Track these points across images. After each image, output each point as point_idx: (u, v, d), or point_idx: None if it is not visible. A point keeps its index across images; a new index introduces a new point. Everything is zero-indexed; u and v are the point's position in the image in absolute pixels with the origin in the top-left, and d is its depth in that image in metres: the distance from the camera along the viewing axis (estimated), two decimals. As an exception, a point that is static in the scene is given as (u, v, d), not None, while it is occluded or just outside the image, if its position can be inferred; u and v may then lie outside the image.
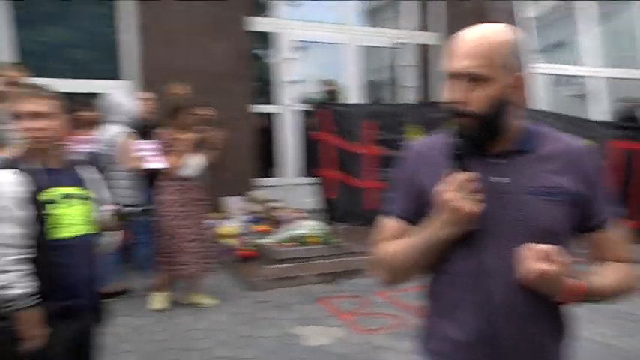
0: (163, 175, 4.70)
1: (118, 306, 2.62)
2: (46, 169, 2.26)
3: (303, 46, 8.05)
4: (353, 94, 8.34)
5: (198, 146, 4.78)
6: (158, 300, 4.82)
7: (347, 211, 6.63)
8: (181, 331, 4.35)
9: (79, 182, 2.37)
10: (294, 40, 7.89)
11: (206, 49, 6.98)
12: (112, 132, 4.96)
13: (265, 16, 7.91)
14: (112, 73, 6.95)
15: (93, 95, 5.54)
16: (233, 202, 6.94)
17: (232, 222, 6.43)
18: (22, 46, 6.46)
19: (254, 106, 7.50)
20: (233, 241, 6.07)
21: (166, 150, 4.67)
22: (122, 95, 5.15)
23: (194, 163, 4.75)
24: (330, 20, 8.33)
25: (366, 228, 6.43)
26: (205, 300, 4.92)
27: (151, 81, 6.37)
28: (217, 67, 7.01)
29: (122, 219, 2.48)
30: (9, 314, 1.64)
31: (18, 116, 2.18)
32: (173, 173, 4.67)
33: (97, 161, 4.71)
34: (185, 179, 4.71)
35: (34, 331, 2.11)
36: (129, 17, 6.84)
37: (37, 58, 6.19)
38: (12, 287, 2.09)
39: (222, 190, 6.80)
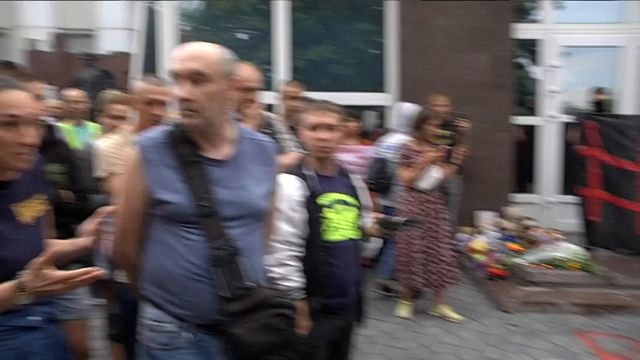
0: (404, 185, 4.73)
1: (369, 308, 2.74)
2: (322, 175, 2.46)
3: (568, 52, 7.37)
4: (627, 103, 7.36)
5: (440, 159, 4.69)
6: (404, 308, 4.88)
7: (612, 236, 5.95)
8: (427, 342, 4.33)
9: (349, 189, 2.52)
10: (560, 46, 7.27)
11: (465, 59, 6.87)
12: (397, 139, 5.10)
13: (529, 21, 7.46)
14: (374, 86, 7.29)
15: (356, 108, 5.89)
16: (486, 217, 6.71)
17: (484, 237, 6.21)
18: (294, 64, 7.16)
19: (515, 117, 7.13)
20: (483, 257, 5.85)
21: (407, 161, 4.69)
22: (411, 106, 5.26)
23: (434, 176, 4.69)
24: (603, 20, 7.44)
25: (636, 257, 5.66)
26: (452, 314, 4.83)
27: (410, 93, 6.50)
28: (477, 77, 6.85)
29: (387, 227, 2.55)
30: (291, 303, 1.80)
31: (312, 127, 2.42)
32: (412, 185, 4.67)
33: (379, 169, 5.00)
34: (426, 191, 4.68)
35: (301, 323, 2.29)
36: (390, 33, 7.10)
37: (305, 74, 6.80)
38: (288, 280, 2.30)
39: (476, 204, 6.65)
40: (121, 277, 2.49)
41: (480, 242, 6.09)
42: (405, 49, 6.91)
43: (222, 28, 7.70)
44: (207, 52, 1.75)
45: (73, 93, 5.12)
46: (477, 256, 5.92)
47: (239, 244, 1.74)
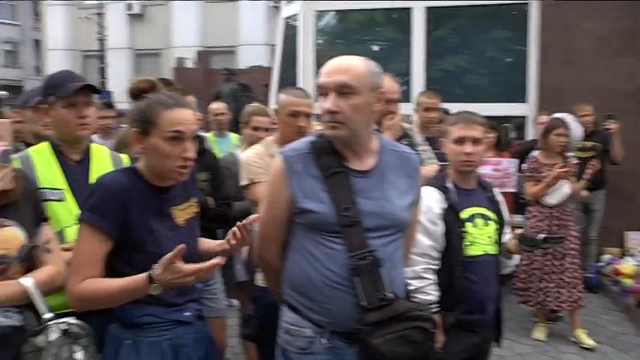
0: (531, 200, 4.51)
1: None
2: (462, 188, 2.41)
3: None
4: None
5: (570, 174, 4.37)
6: (539, 330, 4.62)
7: None
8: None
9: (489, 203, 2.44)
10: None
11: (614, 65, 6.35)
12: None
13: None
14: (511, 96, 6.99)
15: (492, 118, 5.67)
16: (635, 238, 6.14)
17: (633, 260, 5.69)
18: (427, 74, 7.06)
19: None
20: (632, 282, 5.36)
21: (534, 175, 4.44)
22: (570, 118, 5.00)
23: (564, 192, 4.40)
24: None
25: None
26: (586, 340, 4.45)
27: (552, 103, 6.14)
28: (626, 84, 6.31)
29: (526, 244, 2.43)
30: (430, 317, 1.78)
31: (457, 140, 2.37)
32: (539, 200, 4.44)
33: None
34: (556, 206, 4.41)
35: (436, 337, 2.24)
36: (530, 39, 6.77)
37: (439, 85, 6.68)
38: (424, 293, 2.27)
39: (624, 223, 6.11)
40: (260, 280, 2.61)
41: (628, 265, 5.59)
42: (547, 55, 6.54)
43: (357, 40, 7.81)
44: (355, 65, 1.78)
45: (216, 105, 5.47)
46: (624, 280, 5.44)
47: (380, 254, 1.75)
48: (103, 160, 2.22)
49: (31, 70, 32.56)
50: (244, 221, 1.82)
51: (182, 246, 1.53)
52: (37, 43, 30.24)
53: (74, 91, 2.07)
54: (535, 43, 6.66)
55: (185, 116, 1.71)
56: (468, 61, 7.28)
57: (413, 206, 1.91)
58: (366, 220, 1.76)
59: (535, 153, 4.66)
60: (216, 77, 13.52)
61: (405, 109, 4.50)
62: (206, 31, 23.65)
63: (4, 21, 33.03)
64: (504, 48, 7.25)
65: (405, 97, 6.21)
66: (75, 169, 2.13)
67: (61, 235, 2.00)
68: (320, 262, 1.76)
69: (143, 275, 1.57)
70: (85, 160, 2.17)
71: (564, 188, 4.41)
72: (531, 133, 6.44)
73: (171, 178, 1.75)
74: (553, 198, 4.42)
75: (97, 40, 20.29)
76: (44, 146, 2.16)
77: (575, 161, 4.52)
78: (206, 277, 1.61)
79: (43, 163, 2.09)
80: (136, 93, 1.74)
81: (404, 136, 2.90)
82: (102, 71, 19.62)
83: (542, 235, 2.34)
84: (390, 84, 2.70)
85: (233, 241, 1.92)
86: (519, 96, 6.86)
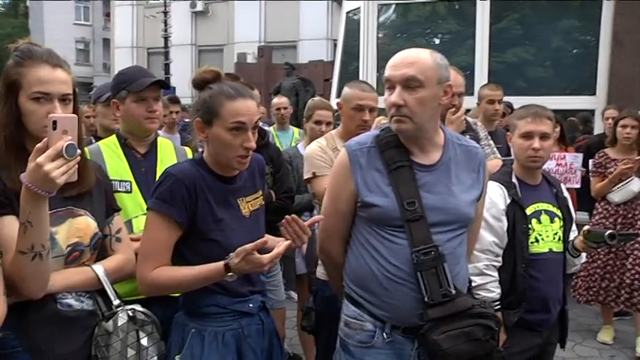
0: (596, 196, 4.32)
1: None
2: (527, 184, 2.35)
3: None
4: None
5: (632, 170, 4.12)
6: (605, 332, 4.43)
7: None
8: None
9: (554, 199, 2.38)
10: None
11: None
12: None
13: None
14: (577, 89, 6.72)
15: (557, 112, 5.46)
16: None
17: None
18: (489, 67, 6.87)
19: None
20: None
21: (600, 170, 4.25)
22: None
23: (632, 189, 4.16)
24: None
25: None
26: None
27: (624, 95, 5.85)
28: None
29: (595, 241, 2.32)
30: (494, 315, 1.75)
31: (525, 135, 2.31)
32: (604, 196, 4.25)
33: None
34: (622, 204, 4.20)
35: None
36: (603, 27, 6.45)
37: (500, 77, 6.49)
38: (486, 290, 2.23)
39: None
40: (320, 273, 2.63)
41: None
42: (620, 44, 6.22)
43: (419, 34, 7.71)
44: (422, 57, 1.76)
45: (278, 100, 5.53)
46: None
47: (444, 250, 1.73)
48: (168, 154, 2.30)
49: (100, 67, 34.06)
50: (310, 221, 1.83)
51: (264, 239, 1.59)
52: (107, 42, 31.50)
53: (144, 86, 2.15)
54: (607, 30, 6.34)
55: (247, 107, 1.73)
56: (531, 53, 7.06)
57: (477, 201, 1.88)
58: (430, 215, 1.74)
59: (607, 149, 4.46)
60: (277, 72, 13.67)
61: (468, 102, 4.42)
62: (267, 26, 23.93)
63: (78, 22, 34.75)
64: (571, 38, 6.98)
65: (468, 90, 6.09)
66: (141, 161, 2.21)
67: (129, 225, 2.08)
68: (383, 257, 1.76)
69: (219, 264, 1.62)
70: (152, 153, 2.25)
71: (632, 186, 4.17)
72: (599, 127, 6.16)
73: (232, 167, 1.78)
74: (617, 196, 4.21)
75: (161, 37, 20.87)
76: (112, 139, 2.25)
77: None
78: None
79: (112, 156, 2.18)
80: (200, 83, 1.78)
81: (467, 130, 2.84)
82: (166, 67, 20.17)
83: (610, 232, 2.24)
84: (454, 77, 2.65)
85: (288, 238, 1.90)
86: (587, 88, 6.58)
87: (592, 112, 6.54)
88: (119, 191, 2.09)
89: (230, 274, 1.61)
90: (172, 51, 21.10)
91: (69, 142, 1.37)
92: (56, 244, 1.57)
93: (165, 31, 20.51)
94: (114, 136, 2.27)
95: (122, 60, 25.04)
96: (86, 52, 35.58)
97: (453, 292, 1.71)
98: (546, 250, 2.30)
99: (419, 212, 1.73)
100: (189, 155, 2.36)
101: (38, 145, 1.37)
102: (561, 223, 2.36)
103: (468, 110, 4.25)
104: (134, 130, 2.22)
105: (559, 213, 2.36)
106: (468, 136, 2.24)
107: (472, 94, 5.49)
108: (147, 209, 1.76)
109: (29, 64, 1.56)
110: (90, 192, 1.71)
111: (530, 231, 2.28)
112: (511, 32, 7.10)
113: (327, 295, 2.52)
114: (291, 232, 1.71)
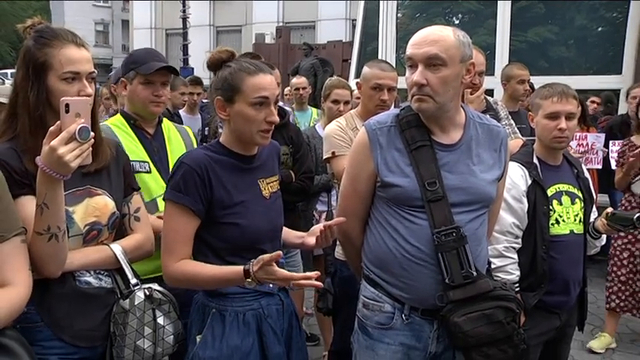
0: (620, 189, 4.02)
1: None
2: (547, 164, 2.30)
3: None
4: None
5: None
6: (601, 340, 3.95)
7: None
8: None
9: (575, 180, 2.34)
10: None
11: None
12: None
13: None
14: (602, 68, 6.58)
15: (580, 92, 5.35)
16: None
17: None
18: (510, 47, 6.76)
19: None
20: None
21: (622, 160, 3.92)
22: None
23: None
24: None
25: None
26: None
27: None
28: None
29: (618, 223, 2.27)
30: (515, 297, 1.73)
31: (551, 115, 2.26)
32: (629, 187, 3.90)
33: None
34: None
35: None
36: (630, 7, 6.30)
37: (522, 57, 6.38)
38: (505, 272, 2.20)
39: None
40: (338, 254, 2.62)
41: None
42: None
43: (438, 13, 7.61)
44: (445, 35, 1.72)
45: (297, 80, 5.50)
46: None
47: (465, 231, 1.71)
48: (173, 132, 2.33)
49: (119, 48, 34.19)
50: (330, 222, 1.81)
51: (278, 253, 1.57)
52: (125, 24, 31.58)
53: (153, 70, 2.15)
54: (637, 6, 6.16)
55: (268, 81, 1.73)
56: (554, 32, 6.93)
57: (498, 181, 1.84)
58: (451, 195, 1.72)
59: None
60: (295, 52, 13.58)
61: (489, 82, 4.35)
62: (286, 6, 23.75)
63: (97, 4, 34.86)
64: (597, 16, 6.82)
65: (488, 70, 6.00)
66: (152, 141, 2.23)
67: (154, 204, 2.11)
68: (403, 237, 1.75)
69: (239, 269, 1.62)
70: (159, 133, 2.28)
71: None
72: (623, 108, 6.04)
73: (255, 142, 1.78)
74: (639, 186, 3.88)
75: (179, 18, 20.85)
76: (119, 119, 2.25)
77: None
78: (298, 287, 1.64)
79: (125, 137, 2.18)
80: (216, 63, 1.77)
81: (488, 110, 2.80)
82: (184, 48, 20.18)
83: (638, 214, 2.19)
84: (475, 55, 2.59)
85: (318, 242, 1.88)
86: (612, 67, 6.45)
87: (617, 92, 6.40)
88: (140, 172, 2.11)
89: (249, 280, 1.61)
90: (191, 32, 21.05)
91: (82, 125, 1.37)
92: (74, 223, 1.59)
93: (184, 12, 20.47)
94: (119, 115, 2.27)
95: (141, 41, 25.07)
96: (105, 34, 35.73)
97: (475, 273, 1.69)
98: (567, 231, 2.27)
99: (440, 193, 1.71)
100: (190, 133, 2.42)
101: (52, 128, 1.38)
102: (582, 205, 2.32)
103: (488, 90, 4.18)
104: (139, 112, 2.23)
105: (580, 194, 2.32)
106: (488, 116, 2.20)
107: (492, 74, 5.41)
108: (164, 199, 1.76)
109: (57, 45, 1.55)
110: (107, 169, 1.71)
111: (551, 212, 2.24)
112: (533, 10, 6.97)
113: (345, 275, 2.52)
114: (324, 239, 1.72)
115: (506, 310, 1.69)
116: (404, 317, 1.77)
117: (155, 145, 2.22)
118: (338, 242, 2.65)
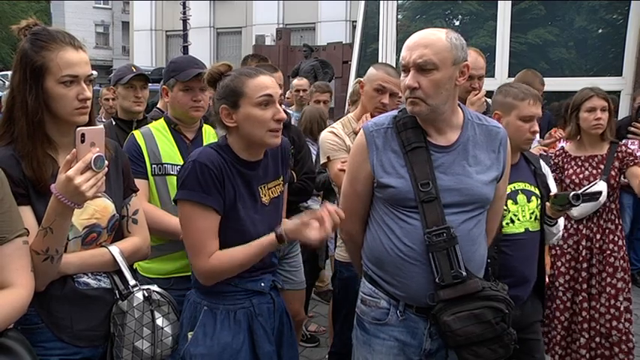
0: None
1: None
2: None
3: None
4: None
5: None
6: None
7: None
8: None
9: (532, 177, 2.35)
10: None
11: None
12: None
13: None
14: (602, 70, 6.58)
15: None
16: None
17: None
18: (510, 48, 6.76)
19: None
20: None
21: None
22: None
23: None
24: None
25: None
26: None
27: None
28: None
29: (558, 204, 2.29)
30: (505, 297, 1.75)
31: (528, 118, 2.27)
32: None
33: None
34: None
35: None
36: (630, 9, 6.30)
37: (521, 59, 6.39)
38: None
39: None
40: (339, 255, 2.63)
41: None
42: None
43: (438, 15, 7.61)
44: (437, 38, 1.73)
45: (298, 81, 5.50)
46: None
47: (457, 231, 1.72)
48: (212, 138, 2.38)
49: (119, 50, 34.22)
50: (331, 208, 1.81)
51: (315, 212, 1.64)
52: (126, 25, 31.60)
53: (190, 77, 2.26)
54: (637, 7, 6.17)
55: (269, 80, 1.76)
56: (554, 34, 6.93)
57: (497, 182, 1.85)
58: (445, 196, 1.73)
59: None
60: (295, 54, 13.62)
61: (489, 84, 4.34)
62: (286, 8, 23.76)
63: (97, 5, 34.92)
64: (597, 17, 6.83)
65: (488, 72, 6.00)
66: (189, 147, 2.30)
67: None
68: (397, 236, 1.77)
69: (272, 237, 1.69)
70: (198, 139, 2.36)
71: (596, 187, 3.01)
72: (624, 109, 6.05)
73: (266, 144, 1.78)
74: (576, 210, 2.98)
75: (180, 19, 20.88)
76: (162, 123, 2.36)
77: None
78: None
79: (164, 140, 2.30)
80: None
81: (488, 112, 2.79)
82: (184, 50, 20.21)
83: (574, 192, 2.21)
84: (475, 59, 2.60)
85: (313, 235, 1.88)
86: (612, 69, 6.46)
87: (617, 94, 6.40)
88: (170, 174, 2.22)
89: (282, 243, 1.69)
90: (191, 34, 21.05)
91: (97, 154, 1.39)
92: (73, 225, 1.59)
93: (184, 13, 20.49)
94: (162, 120, 2.38)
95: (141, 43, 25.13)
96: (105, 35, 35.75)
97: (464, 274, 1.71)
98: (522, 230, 2.28)
99: (433, 193, 1.72)
100: None
101: (67, 157, 1.40)
102: (538, 202, 2.33)
103: (488, 92, 4.17)
104: (181, 117, 2.34)
105: (536, 191, 2.33)
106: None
107: (492, 75, 5.41)
108: (176, 200, 1.76)
109: (54, 48, 1.54)
110: (107, 171, 1.71)
111: (505, 212, 2.23)
112: (533, 12, 6.98)
113: (345, 276, 2.52)
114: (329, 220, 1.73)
115: (496, 310, 1.71)
116: (399, 314, 1.80)
117: (192, 150, 2.25)
118: (338, 244, 2.67)
